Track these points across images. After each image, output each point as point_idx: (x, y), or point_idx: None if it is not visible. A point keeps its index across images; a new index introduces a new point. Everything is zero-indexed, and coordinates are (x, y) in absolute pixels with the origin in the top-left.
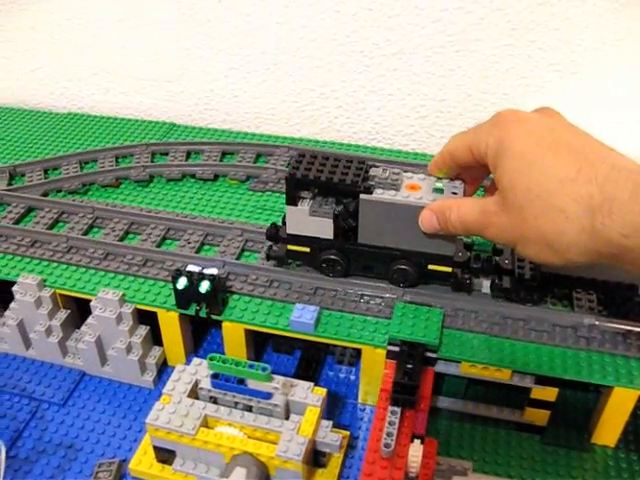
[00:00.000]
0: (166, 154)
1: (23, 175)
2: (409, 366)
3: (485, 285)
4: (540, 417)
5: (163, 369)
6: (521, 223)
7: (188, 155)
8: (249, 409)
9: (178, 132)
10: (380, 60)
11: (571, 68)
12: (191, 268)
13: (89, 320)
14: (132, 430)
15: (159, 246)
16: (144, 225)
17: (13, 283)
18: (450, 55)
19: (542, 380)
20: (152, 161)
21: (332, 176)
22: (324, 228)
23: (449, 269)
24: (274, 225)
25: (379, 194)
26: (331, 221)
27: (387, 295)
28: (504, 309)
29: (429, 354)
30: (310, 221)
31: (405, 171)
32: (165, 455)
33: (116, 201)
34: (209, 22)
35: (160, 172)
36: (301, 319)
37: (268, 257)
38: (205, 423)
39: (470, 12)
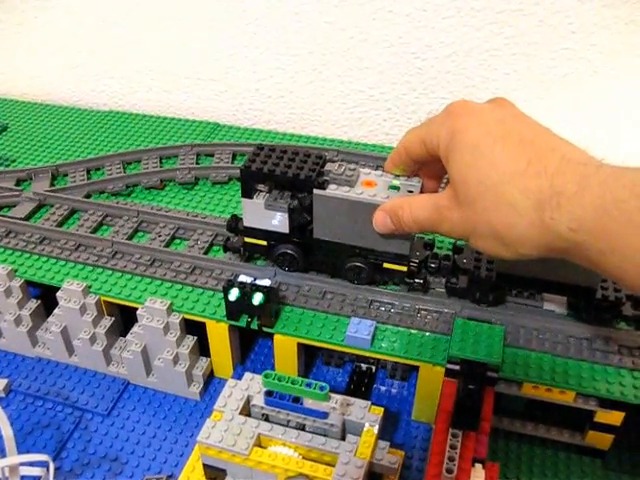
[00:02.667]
0: (211, 155)
1: (66, 175)
2: (471, 387)
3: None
4: (603, 441)
5: (209, 380)
6: (472, 217)
7: (234, 157)
8: (302, 427)
9: (222, 132)
10: (432, 62)
11: (635, 73)
12: (243, 279)
13: (135, 329)
14: (178, 444)
15: (206, 253)
16: (191, 230)
17: (57, 288)
18: (506, 59)
19: (608, 403)
20: (197, 162)
21: (287, 170)
22: (280, 222)
23: (404, 268)
24: (234, 216)
25: (333, 189)
26: (286, 215)
27: (446, 310)
28: (568, 327)
29: (490, 373)
30: (266, 214)
31: (363, 166)
32: (215, 473)
33: (161, 204)
34: (256, 20)
35: (206, 174)
36: (357, 334)
37: (225, 249)
38: (258, 442)
39: (529, 14)
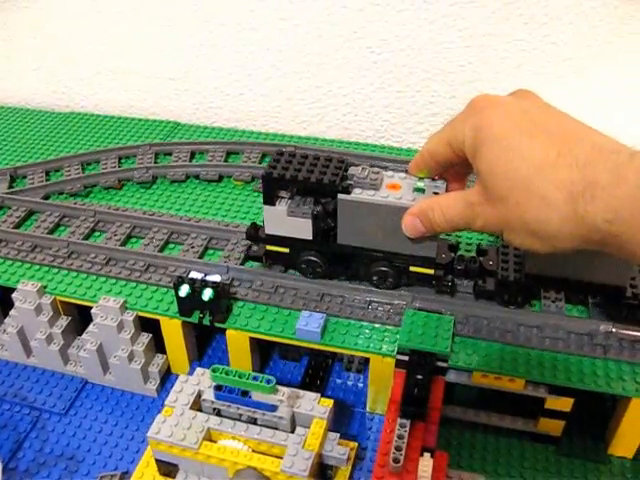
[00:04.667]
0: (170, 154)
1: (24, 177)
2: (419, 377)
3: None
4: (555, 427)
5: (166, 377)
6: (505, 212)
7: (192, 155)
8: (253, 421)
9: (182, 131)
10: (388, 56)
11: (586, 63)
12: (193, 275)
13: (90, 328)
14: (134, 441)
15: (162, 250)
16: (146, 229)
17: (13, 289)
18: (460, 51)
19: (557, 390)
20: (155, 162)
21: (310, 175)
22: (303, 228)
23: (431, 271)
24: (254, 225)
25: (357, 194)
26: (309, 221)
27: (396, 302)
28: (517, 316)
29: (440, 363)
30: (288, 221)
31: (386, 170)
32: (168, 468)
33: (118, 203)
34: (213, 19)
35: (163, 173)
36: (307, 327)
37: (247, 257)
38: (208, 436)
39: (482, 6)
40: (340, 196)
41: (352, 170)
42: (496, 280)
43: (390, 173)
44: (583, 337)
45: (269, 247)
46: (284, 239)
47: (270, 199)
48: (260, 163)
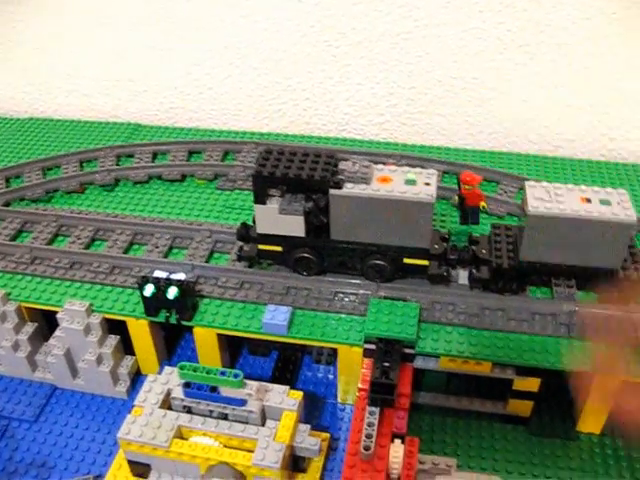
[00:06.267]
0: (131, 156)
1: None
2: (386, 364)
3: (463, 276)
4: (524, 408)
5: (137, 379)
6: None
7: (154, 156)
8: (225, 417)
9: (144, 132)
10: (346, 49)
11: (542, 49)
12: (158, 274)
13: (57, 333)
14: (106, 444)
15: (126, 252)
16: (110, 231)
17: None
18: (417, 41)
19: (524, 371)
20: (117, 164)
21: (300, 172)
22: (295, 226)
23: (425, 262)
24: (244, 224)
25: (349, 188)
26: (302, 218)
27: (361, 291)
28: (482, 300)
29: (407, 350)
30: (280, 219)
31: (376, 163)
32: (141, 468)
33: (81, 207)
34: (169, 18)
35: (126, 175)
36: (273, 321)
37: (239, 258)
38: (179, 434)
39: None
40: (332, 191)
41: (342, 165)
42: (490, 268)
43: (380, 166)
44: (547, 317)
45: (261, 246)
46: (276, 237)
47: (261, 198)
48: (222, 161)
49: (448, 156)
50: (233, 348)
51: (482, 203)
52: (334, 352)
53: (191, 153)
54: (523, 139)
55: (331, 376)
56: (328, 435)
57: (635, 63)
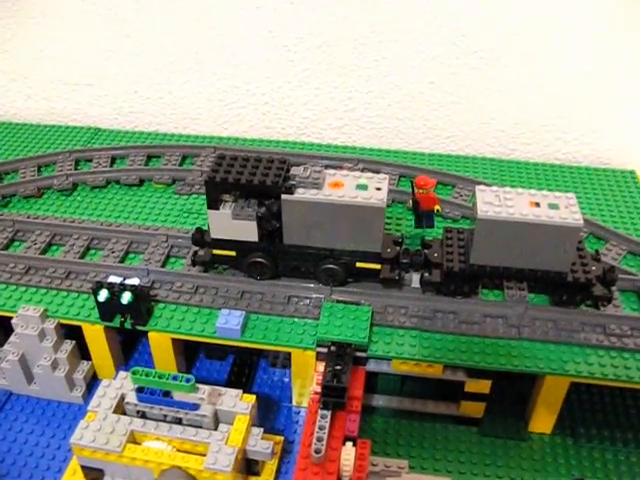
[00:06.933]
0: (90, 160)
1: None
2: (338, 367)
3: (416, 280)
4: (476, 409)
5: (93, 384)
6: None
7: (113, 161)
8: (179, 422)
9: (103, 137)
10: (304, 54)
11: (496, 54)
12: (112, 279)
13: (12, 338)
14: (61, 450)
15: (83, 257)
16: (67, 236)
17: None
18: (375, 46)
19: (475, 372)
20: (76, 168)
21: (252, 178)
22: (248, 231)
23: (378, 266)
24: (199, 229)
25: (301, 194)
26: (254, 223)
27: (315, 295)
28: (434, 303)
29: (359, 353)
30: (233, 225)
31: (334, 167)
32: (94, 474)
33: (38, 212)
34: (127, 22)
35: (84, 180)
36: (227, 325)
37: (194, 263)
38: (132, 439)
39: (391, 2)
40: (284, 197)
41: (294, 170)
42: (441, 271)
43: (332, 171)
44: (498, 320)
45: (216, 251)
46: (230, 242)
47: (214, 203)
48: (180, 165)
49: (406, 159)
50: (189, 352)
51: (437, 207)
52: (289, 356)
53: (150, 157)
54: (479, 142)
55: (287, 379)
56: (282, 438)
57: (588, 69)
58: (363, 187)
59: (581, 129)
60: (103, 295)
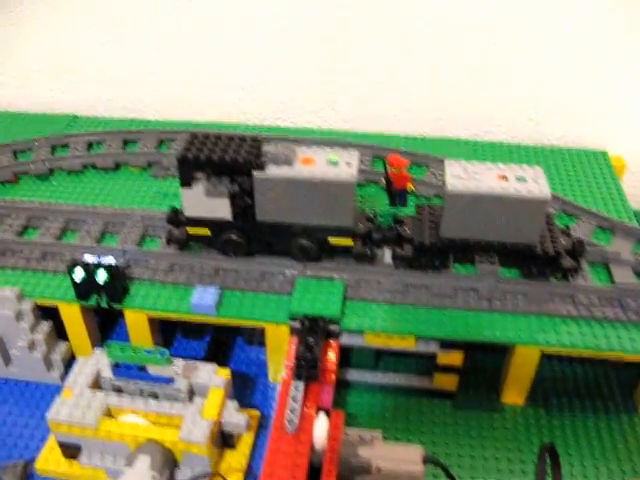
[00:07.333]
0: (66, 146)
1: None
2: (310, 340)
3: (388, 256)
4: (449, 382)
5: (71, 364)
6: None
7: (89, 146)
8: (156, 397)
9: (80, 124)
10: (278, 37)
11: (467, 34)
12: (88, 258)
13: None
14: (40, 429)
15: (59, 239)
16: (43, 219)
17: None
18: (346, 27)
19: (447, 344)
20: (52, 154)
21: (224, 155)
22: (221, 208)
23: (350, 241)
24: (174, 209)
25: (272, 170)
26: (227, 201)
27: (288, 272)
28: (406, 277)
29: (332, 327)
30: (207, 202)
31: (299, 145)
32: (72, 451)
33: (15, 197)
34: (95, 7)
35: (60, 165)
36: (201, 301)
37: (168, 241)
38: (108, 413)
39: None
40: (255, 173)
41: (266, 147)
42: (413, 246)
43: (303, 148)
44: (469, 293)
45: (190, 230)
46: (204, 221)
47: (187, 181)
48: (157, 149)
49: (380, 142)
50: (166, 332)
51: (409, 185)
52: (265, 333)
53: (126, 143)
54: (453, 125)
55: (263, 357)
56: (258, 413)
57: (561, 52)
58: (334, 163)
59: (554, 111)
60: (78, 274)
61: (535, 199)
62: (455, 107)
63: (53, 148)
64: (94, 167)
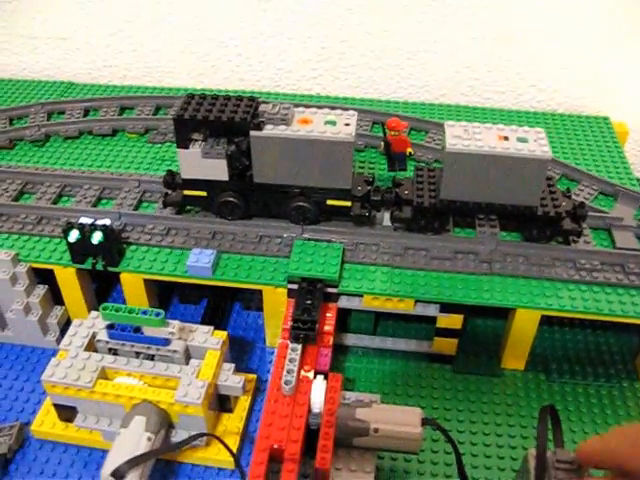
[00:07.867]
0: (63, 113)
1: None
2: (308, 302)
3: (387, 218)
4: (449, 346)
5: (67, 328)
6: None
7: (86, 112)
8: (151, 358)
9: (77, 91)
10: (276, 4)
11: (470, 2)
12: (83, 220)
13: None
14: (35, 393)
15: (55, 203)
16: (39, 184)
17: None
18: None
19: (447, 308)
20: (48, 120)
21: (221, 115)
22: (218, 170)
23: (348, 203)
24: (170, 172)
25: (269, 130)
26: (224, 162)
27: (286, 234)
28: (405, 240)
29: (330, 290)
30: (204, 163)
31: (297, 106)
32: (67, 413)
33: (10, 162)
34: None
35: (56, 131)
36: (198, 263)
37: (164, 204)
38: (104, 375)
39: None
40: (252, 133)
41: (263, 107)
42: (412, 207)
43: (301, 109)
44: (469, 256)
45: (186, 192)
46: (201, 182)
47: (183, 142)
48: (154, 115)
49: (380, 108)
50: (164, 297)
51: (409, 149)
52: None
53: (123, 109)
54: (454, 91)
55: (260, 322)
56: (254, 376)
57: (563, 19)
58: (332, 123)
59: (555, 76)
60: (74, 235)
61: (536, 158)
62: (456, 74)
63: (49, 114)
64: (90, 133)
